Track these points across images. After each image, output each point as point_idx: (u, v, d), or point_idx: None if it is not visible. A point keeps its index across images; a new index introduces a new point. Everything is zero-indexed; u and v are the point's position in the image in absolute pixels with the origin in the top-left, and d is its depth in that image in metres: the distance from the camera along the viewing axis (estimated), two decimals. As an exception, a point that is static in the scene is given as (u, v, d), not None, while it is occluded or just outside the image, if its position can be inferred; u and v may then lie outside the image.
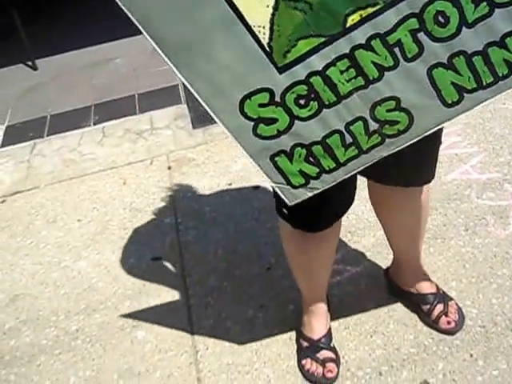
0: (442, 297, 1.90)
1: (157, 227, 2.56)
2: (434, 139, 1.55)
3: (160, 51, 1.11)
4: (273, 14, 1.07)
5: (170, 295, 2.20)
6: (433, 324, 1.87)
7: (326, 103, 1.16)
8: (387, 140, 1.21)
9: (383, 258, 2.15)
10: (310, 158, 1.23)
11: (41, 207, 2.86)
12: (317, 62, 1.12)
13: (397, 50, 1.11)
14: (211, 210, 2.60)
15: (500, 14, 1.07)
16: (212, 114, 1.18)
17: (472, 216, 2.28)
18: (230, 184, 2.73)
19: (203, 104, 1.17)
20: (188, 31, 1.08)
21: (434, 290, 1.90)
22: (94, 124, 3.49)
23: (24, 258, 2.56)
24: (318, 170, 1.25)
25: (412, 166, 1.55)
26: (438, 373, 1.76)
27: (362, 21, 1.08)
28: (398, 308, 1.97)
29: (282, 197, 1.29)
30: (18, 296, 2.36)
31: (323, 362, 1.79)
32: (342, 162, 1.24)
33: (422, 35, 1.10)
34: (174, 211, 2.63)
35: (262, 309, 2.07)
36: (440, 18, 1.08)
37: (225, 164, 2.87)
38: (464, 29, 1.09)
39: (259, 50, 1.10)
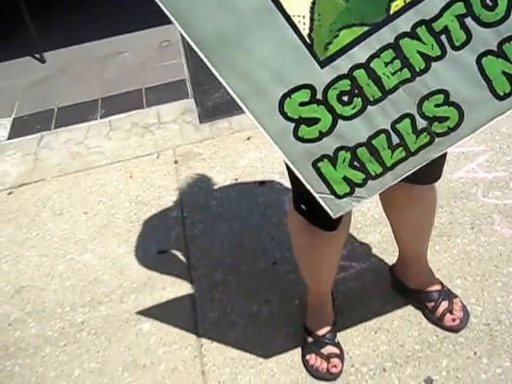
0: (447, 294, 1.89)
1: (163, 221, 2.56)
2: None
3: (198, 50, 1.05)
4: (313, 3, 1.01)
5: (175, 288, 2.19)
6: (437, 321, 1.86)
7: (371, 99, 1.10)
8: (437, 139, 1.14)
9: (389, 254, 2.14)
10: (355, 163, 1.16)
11: (47, 199, 2.86)
12: (360, 53, 1.05)
13: (443, 37, 1.05)
14: (217, 204, 2.59)
15: None
16: (253, 119, 1.11)
17: (478, 214, 2.27)
18: (236, 179, 2.73)
19: (244, 108, 1.10)
20: (226, 23, 1.03)
21: (438, 288, 1.90)
22: (101, 117, 3.48)
23: (30, 249, 2.56)
24: (363, 176, 1.18)
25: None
26: (441, 370, 1.76)
27: (406, 6, 1.02)
28: (403, 305, 1.96)
29: (326, 209, 1.21)
30: (24, 287, 2.36)
31: (328, 358, 1.78)
32: (389, 165, 1.16)
33: (469, 20, 1.03)
34: (180, 205, 2.62)
35: (267, 303, 2.06)
36: (488, 1, 1.01)
37: (231, 159, 2.86)
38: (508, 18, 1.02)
39: (299, 42, 1.04)
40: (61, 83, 4.06)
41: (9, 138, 3.43)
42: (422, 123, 1.12)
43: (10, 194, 2.96)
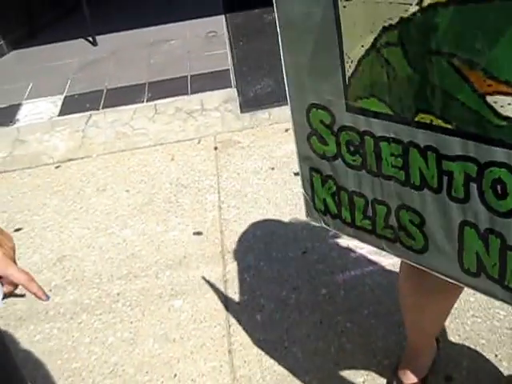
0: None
1: (200, 203, 2.56)
2: None
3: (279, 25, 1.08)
4: (363, 57, 0.98)
5: (208, 269, 2.20)
6: None
7: (368, 167, 1.09)
8: (398, 244, 1.13)
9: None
10: (336, 198, 1.19)
11: (92, 175, 2.89)
12: (377, 127, 1.03)
13: (445, 179, 0.98)
14: (253, 191, 2.59)
15: None
16: (288, 99, 1.15)
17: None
18: (272, 168, 2.72)
19: (286, 84, 1.14)
20: (301, 15, 1.03)
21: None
22: (147, 101, 3.50)
23: (73, 221, 2.59)
24: (336, 213, 1.21)
25: None
26: (462, 369, 1.73)
27: (429, 126, 0.95)
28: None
29: (304, 206, 1.27)
30: (66, 257, 2.39)
31: None
32: (356, 224, 1.19)
33: (474, 188, 0.94)
34: (217, 190, 2.63)
35: (296, 290, 2.06)
36: (498, 188, 0.92)
37: (269, 149, 2.85)
38: None
39: (340, 77, 1.03)
40: (111, 66, 4.09)
41: (59, 115, 3.47)
42: (393, 222, 1.12)
43: (57, 167, 3.00)
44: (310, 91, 1.10)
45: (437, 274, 1.10)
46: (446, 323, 1.85)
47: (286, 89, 1.15)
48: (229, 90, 3.48)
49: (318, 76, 1.07)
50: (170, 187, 2.71)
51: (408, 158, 1.01)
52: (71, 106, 3.56)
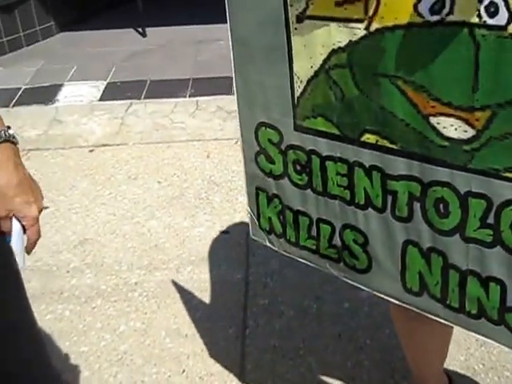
0: None
1: (230, 203, 2.58)
2: None
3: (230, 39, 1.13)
4: (312, 77, 1.02)
5: (231, 269, 2.20)
6: None
7: (314, 186, 1.12)
8: (342, 264, 1.16)
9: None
10: (281, 217, 1.22)
11: (125, 163, 2.93)
12: (323, 146, 1.06)
13: (389, 198, 1.01)
14: (286, 197, 2.59)
15: (499, 255, 0.92)
16: (238, 117, 1.21)
17: None
18: (308, 176, 2.72)
19: (236, 101, 1.19)
20: (254, 33, 1.08)
21: None
22: (190, 96, 3.55)
23: (100, 206, 2.63)
24: (281, 232, 1.24)
25: None
26: (483, 402, 1.69)
27: (375, 146, 0.99)
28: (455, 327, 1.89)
29: (250, 224, 1.31)
30: (87, 240, 2.43)
31: None
32: (300, 243, 1.21)
33: (417, 207, 0.98)
34: (249, 191, 2.64)
35: (318, 300, 2.04)
36: (441, 207, 0.96)
37: (307, 156, 2.85)
38: (457, 236, 0.95)
39: (289, 96, 1.07)
40: (157, 58, 4.17)
41: (100, 100, 3.54)
42: (337, 241, 1.14)
43: (91, 151, 3.05)
44: (260, 109, 1.14)
45: (378, 294, 1.13)
46: (471, 351, 1.81)
47: (236, 106, 1.20)
48: (273, 93, 3.50)
49: (268, 94, 1.11)
50: (202, 183, 2.73)
51: (353, 178, 1.05)
52: (113, 92, 3.63)
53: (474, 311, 1.00)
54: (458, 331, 1.85)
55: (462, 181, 0.91)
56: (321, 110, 1.04)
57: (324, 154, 1.07)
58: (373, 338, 1.88)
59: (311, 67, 1.01)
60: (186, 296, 2.11)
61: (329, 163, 1.07)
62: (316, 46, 0.99)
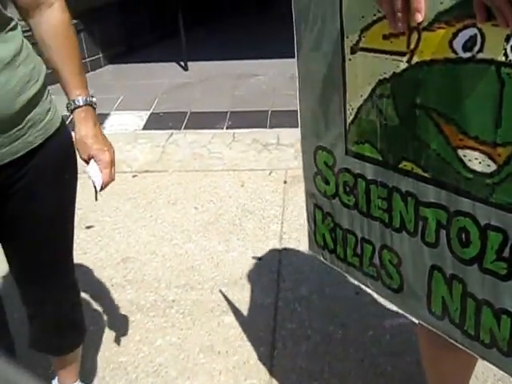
0: None
1: (263, 230, 2.66)
2: None
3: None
4: (361, 105, 1.08)
5: (262, 293, 2.28)
6: None
7: (359, 208, 1.17)
8: (379, 282, 1.20)
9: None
10: (333, 234, 1.28)
11: (165, 189, 3.04)
12: (368, 171, 1.12)
13: (420, 224, 1.05)
14: (315, 228, 2.67)
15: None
16: (301, 142, 1.27)
17: None
18: (337, 209, 2.79)
19: (299, 125, 1.25)
20: (317, 67, 1.14)
21: None
22: (227, 128, 3.66)
23: (142, 228, 2.74)
24: (333, 248, 1.30)
25: None
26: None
27: (410, 174, 1.03)
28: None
29: (308, 239, 1.38)
30: (129, 258, 2.53)
31: None
32: (347, 260, 1.27)
33: (443, 234, 1.01)
34: (281, 221, 2.72)
35: (343, 327, 2.11)
36: (463, 236, 0.98)
37: (337, 190, 2.93)
38: (475, 266, 0.98)
39: (343, 123, 1.13)
40: (197, 91, 4.31)
41: (143, 129, 3.68)
42: (376, 260, 1.19)
43: (134, 176, 3.17)
44: (318, 134, 1.21)
45: (405, 314, 1.18)
46: None
47: (299, 132, 1.26)
48: (306, 129, 3.60)
49: (325, 120, 1.18)
50: (236, 211, 2.83)
51: (392, 202, 1.09)
52: (155, 122, 3.77)
53: (486, 340, 1.03)
54: (478, 365, 1.90)
55: (482, 213, 0.94)
56: (367, 137, 1.09)
57: (368, 178, 1.12)
58: (393, 365, 1.93)
59: (361, 96, 1.07)
60: (219, 315, 2.19)
61: (372, 187, 1.12)
62: (366, 76, 1.04)
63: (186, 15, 4.68)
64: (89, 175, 1.33)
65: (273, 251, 2.53)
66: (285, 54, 4.74)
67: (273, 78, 4.44)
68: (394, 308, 2.13)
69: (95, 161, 1.33)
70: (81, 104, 1.33)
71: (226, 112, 3.90)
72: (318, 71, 1.14)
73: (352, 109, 1.10)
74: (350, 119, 1.11)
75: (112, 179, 1.36)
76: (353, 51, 1.05)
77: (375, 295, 1.94)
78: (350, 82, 1.08)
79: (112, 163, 1.36)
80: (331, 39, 1.08)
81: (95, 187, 1.32)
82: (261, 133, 3.58)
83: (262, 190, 3.00)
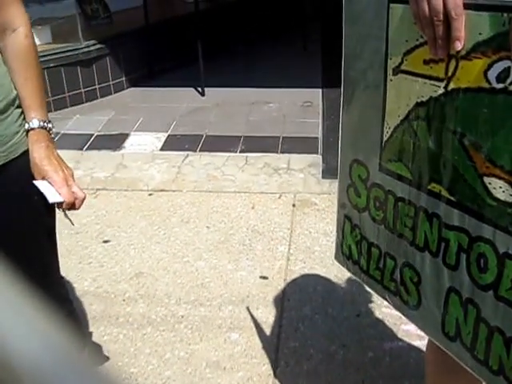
0: None
1: (271, 251, 2.67)
2: None
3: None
4: (398, 125, 1.09)
5: (267, 311, 2.29)
6: None
7: (386, 223, 1.17)
8: (397, 298, 1.19)
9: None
10: (359, 246, 1.28)
11: (179, 208, 3.07)
12: (398, 188, 1.12)
13: (442, 246, 1.04)
14: (321, 250, 2.68)
15: None
16: (339, 153, 1.27)
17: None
18: (342, 234, 2.80)
19: (340, 141, 1.26)
20: (360, 88, 1.17)
21: None
22: (240, 152, 3.69)
23: (155, 244, 2.76)
24: (356, 259, 1.29)
25: None
26: None
27: (438, 195, 1.03)
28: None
29: (334, 246, 1.38)
30: (142, 273, 2.55)
31: None
32: (369, 272, 1.26)
33: (463, 258, 1.00)
34: (288, 242, 2.73)
35: (344, 348, 2.11)
36: (481, 262, 0.97)
37: (342, 215, 2.94)
38: (491, 292, 0.96)
39: (379, 140, 1.14)
40: (213, 116, 4.34)
41: (160, 150, 3.72)
42: (397, 275, 1.18)
43: (150, 195, 3.20)
44: (356, 147, 1.22)
45: (421, 332, 1.16)
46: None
47: (339, 143, 1.27)
48: (315, 155, 3.62)
49: (364, 135, 1.19)
50: (246, 232, 2.84)
51: (417, 221, 1.09)
52: (172, 143, 3.80)
53: (495, 367, 1.01)
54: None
55: (501, 241, 0.92)
56: (401, 156, 1.09)
57: (398, 195, 1.12)
58: (392, 386, 1.93)
59: (398, 116, 1.08)
60: (226, 332, 2.20)
61: (400, 204, 1.12)
62: (404, 97, 1.05)
63: (204, 44, 4.74)
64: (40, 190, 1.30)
65: (280, 271, 2.54)
66: (296, 83, 4.82)
67: (285, 106, 4.47)
68: (394, 330, 2.15)
69: (49, 182, 1.29)
70: (34, 127, 1.31)
71: (240, 136, 3.93)
72: (362, 85, 1.16)
73: (389, 127, 1.11)
74: (386, 137, 1.12)
75: (77, 197, 1.30)
76: (394, 72, 1.06)
77: (375, 317, 1.96)
78: (390, 101, 1.09)
79: (67, 181, 1.30)
80: (378, 58, 1.09)
81: (64, 211, 1.32)
82: (272, 157, 3.60)
83: (272, 212, 3.01)
